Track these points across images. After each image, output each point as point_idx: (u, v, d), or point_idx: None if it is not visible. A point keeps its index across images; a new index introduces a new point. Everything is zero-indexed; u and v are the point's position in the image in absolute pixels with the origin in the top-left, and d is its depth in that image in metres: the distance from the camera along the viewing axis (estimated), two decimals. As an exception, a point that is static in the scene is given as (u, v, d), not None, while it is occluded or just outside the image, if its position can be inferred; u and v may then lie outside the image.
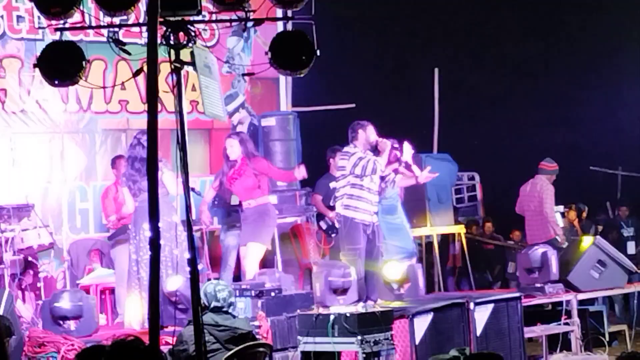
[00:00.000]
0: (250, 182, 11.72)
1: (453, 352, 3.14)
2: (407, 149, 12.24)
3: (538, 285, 12.85)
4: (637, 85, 19.32)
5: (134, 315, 10.58)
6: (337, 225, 12.25)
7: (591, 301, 13.83)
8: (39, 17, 11.21)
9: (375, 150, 11.87)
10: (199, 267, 9.73)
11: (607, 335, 13.58)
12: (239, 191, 11.85)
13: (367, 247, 11.85)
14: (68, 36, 7.73)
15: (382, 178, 12.02)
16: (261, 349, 8.77)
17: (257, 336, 9.57)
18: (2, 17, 12.78)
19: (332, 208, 12.94)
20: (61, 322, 10.15)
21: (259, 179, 11.77)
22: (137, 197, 10.87)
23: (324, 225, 13.11)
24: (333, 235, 13.04)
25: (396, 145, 11.97)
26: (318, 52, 7.27)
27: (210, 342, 8.38)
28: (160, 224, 10.12)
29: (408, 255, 12.51)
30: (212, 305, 8.77)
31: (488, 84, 19.73)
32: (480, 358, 3.08)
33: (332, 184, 13.08)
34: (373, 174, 11.75)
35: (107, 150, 13.43)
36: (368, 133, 11.91)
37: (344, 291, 11.11)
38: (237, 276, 12.22)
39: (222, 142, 13.84)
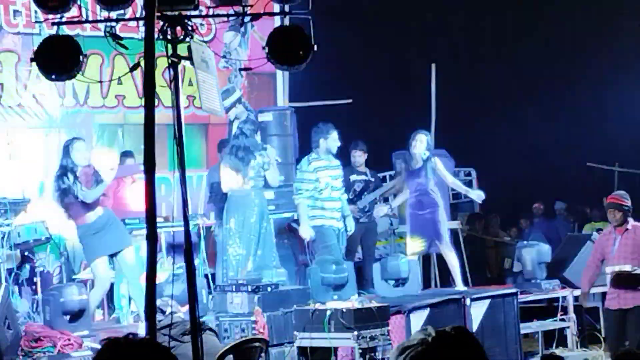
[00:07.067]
0: None
1: (418, 335, 3.09)
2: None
3: (534, 281, 12.86)
4: (633, 81, 19.31)
5: None
6: None
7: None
8: (35, 11, 11.19)
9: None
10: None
11: (602, 331, 13.57)
12: None
13: None
14: (65, 30, 7.70)
15: None
16: (257, 344, 8.78)
17: (254, 331, 9.58)
18: (-2, 11, 12.77)
19: None
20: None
21: None
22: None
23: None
24: None
25: None
26: (315, 47, 7.26)
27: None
28: None
29: None
30: None
31: (485, 80, 19.72)
32: (448, 337, 3.04)
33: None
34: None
35: (103, 145, 13.41)
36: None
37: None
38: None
39: (218, 137, 13.86)
